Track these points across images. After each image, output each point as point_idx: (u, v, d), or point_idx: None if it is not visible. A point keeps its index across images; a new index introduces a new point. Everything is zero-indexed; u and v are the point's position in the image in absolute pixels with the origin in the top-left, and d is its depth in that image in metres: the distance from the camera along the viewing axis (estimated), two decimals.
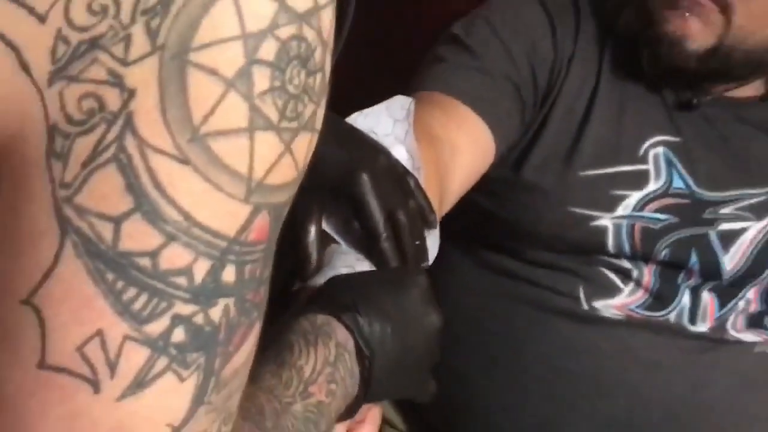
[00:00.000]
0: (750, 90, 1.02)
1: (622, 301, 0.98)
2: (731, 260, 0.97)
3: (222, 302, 0.37)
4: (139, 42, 0.35)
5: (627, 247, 0.97)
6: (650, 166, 0.98)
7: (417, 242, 0.69)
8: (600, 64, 1.01)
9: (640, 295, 0.98)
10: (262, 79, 0.36)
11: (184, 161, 0.35)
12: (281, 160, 0.37)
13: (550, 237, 0.99)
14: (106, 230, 0.35)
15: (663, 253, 0.97)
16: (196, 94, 0.35)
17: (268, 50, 0.36)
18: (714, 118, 1.01)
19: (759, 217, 0.98)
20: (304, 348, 0.57)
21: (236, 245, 0.37)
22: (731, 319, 0.98)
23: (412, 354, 0.62)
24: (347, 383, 0.58)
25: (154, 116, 0.35)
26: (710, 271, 0.97)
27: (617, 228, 0.96)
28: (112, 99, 0.35)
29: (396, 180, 0.70)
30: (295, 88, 0.37)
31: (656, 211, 0.97)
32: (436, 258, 0.81)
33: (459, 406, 1.01)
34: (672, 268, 0.97)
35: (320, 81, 0.38)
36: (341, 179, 0.66)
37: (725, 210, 0.98)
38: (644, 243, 0.97)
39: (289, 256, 0.39)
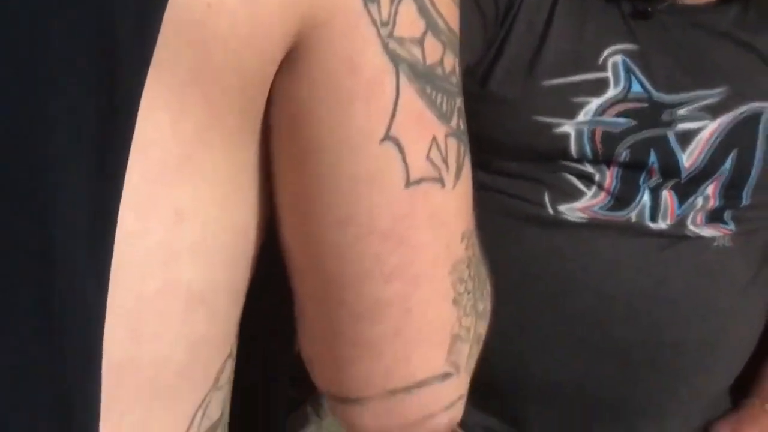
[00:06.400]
0: None
1: (585, 204, 1.01)
2: (689, 158, 1.00)
3: None
4: None
5: (588, 151, 1.00)
6: (609, 74, 1.01)
7: None
8: None
9: (603, 197, 1.01)
10: None
11: None
12: None
13: (516, 146, 1.02)
14: (418, 52, 0.42)
15: (623, 154, 1.00)
16: None
17: None
18: (670, 25, 1.03)
19: (714, 117, 1.00)
20: None
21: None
22: (691, 215, 1.01)
23: None
24: None
25: None
26: (669, 170, 1.00)
27: (579, 133, 0.99)
28: None
29: None
30: None
31: (616, 115, 1.00)
32: None
33: None
34: (632, 169, 1.00)
35: None
36: None
37: (682, 111, 1.01)
38: (605, 146, 1.00)
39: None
